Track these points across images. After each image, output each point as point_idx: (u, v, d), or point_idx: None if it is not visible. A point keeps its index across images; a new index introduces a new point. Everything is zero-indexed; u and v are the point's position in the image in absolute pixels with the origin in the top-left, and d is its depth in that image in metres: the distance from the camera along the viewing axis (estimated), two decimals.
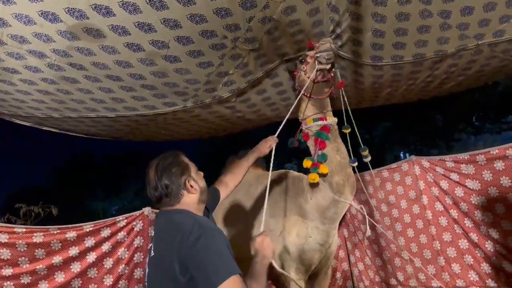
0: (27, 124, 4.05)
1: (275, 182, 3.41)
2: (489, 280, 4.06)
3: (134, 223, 4.47)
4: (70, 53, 2.69)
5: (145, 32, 2.57)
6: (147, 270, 1.80)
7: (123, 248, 4.37)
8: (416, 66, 3.70)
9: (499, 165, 3.90)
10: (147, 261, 1.84)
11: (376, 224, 3.76)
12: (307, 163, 3.01)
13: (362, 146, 3.24)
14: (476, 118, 18.37)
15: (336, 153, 3.00)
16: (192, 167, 1.93)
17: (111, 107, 3.69)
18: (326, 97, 3.07)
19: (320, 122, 3.04)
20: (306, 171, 3.12)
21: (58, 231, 4.00)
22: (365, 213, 3.26)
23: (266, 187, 3.32)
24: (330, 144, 3.00)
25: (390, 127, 20.03)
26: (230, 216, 3.53)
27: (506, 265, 3.91)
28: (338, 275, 5.54)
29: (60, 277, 3.97)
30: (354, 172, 3.12)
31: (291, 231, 3.09)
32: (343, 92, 3.16)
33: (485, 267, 4.09)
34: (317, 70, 2.81)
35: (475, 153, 4.09)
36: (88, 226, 4.19)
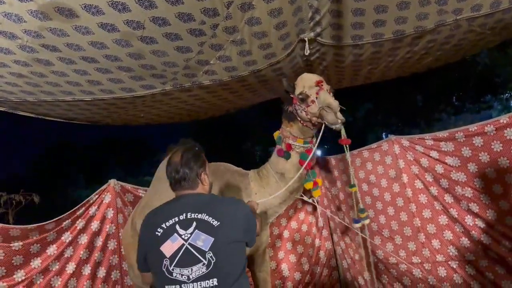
0: (2, 109, 3.94)
1: (213, 174, 3.42)
2: (468, 253, 4.15)
3: (103, 195, 4.53)
4: (43, 33, 2.60)
5: (119, 11, 2.50)
6: (211, 239, 1.93)
7: (96, 222, 4.43)
8: (396, 43, 3.71)
9: (477, 141, 3.96)
10: (195, 232, 1.97)
11: (334, 217, 3.81)
12: (309, 185, 3.32)
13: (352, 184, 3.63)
14: (456, 98, 18.60)
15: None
16: (207, 164, 2.28)
17: (87, 90, 3.60)
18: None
19: (308, 145, 3.28)
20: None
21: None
22: (317, 204, 3.82)
23: None
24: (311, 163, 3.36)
25: (371, 108, 20.19)
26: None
27: (484, 238, 3.99)
28: (322, 253, 5.60)
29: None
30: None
31: None
32: (347, 149, 3.39)
33: (464, 242, 4.17)
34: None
35: (454, 131, 4.13)
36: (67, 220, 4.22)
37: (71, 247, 4.20)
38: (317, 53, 3.87)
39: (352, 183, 3.60)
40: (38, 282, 3.95)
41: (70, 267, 4.14)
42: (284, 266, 5.34)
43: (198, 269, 1.88)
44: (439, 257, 4.37)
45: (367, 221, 3.61)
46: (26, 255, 3.86)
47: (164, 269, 1.92)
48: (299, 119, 3.18)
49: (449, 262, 4.31)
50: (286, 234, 5.43)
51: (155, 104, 4.38)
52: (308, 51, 3.50)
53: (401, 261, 4.61)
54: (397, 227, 4.71)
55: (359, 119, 21.11)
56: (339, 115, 2.94)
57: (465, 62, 5.19)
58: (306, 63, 4.16)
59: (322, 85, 3.08)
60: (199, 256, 1.89)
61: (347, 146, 3.32)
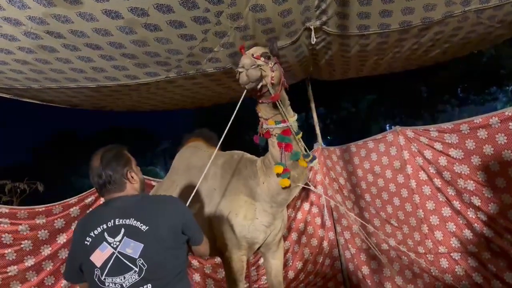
0: (7, 96, 3.94)
1: (227, 163, 3.45)
2: (471, 245, 4.15)
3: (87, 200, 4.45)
4: (47, 20, 2.59)
5: None
6: (140, 245, 1.87)
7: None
8: (403, 34, 3.68)
9: (482, 133, 3.93)
10: (124, 239, 1.90)
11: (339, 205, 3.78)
12: (278, 169, 3.01)
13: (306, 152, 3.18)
14: (460, 90, 18.53)
15: (299, 147, 3.07)
16: (133, 161, 2.18)
17: (91, 77, 3.60)
18: (278, 98, 2.87)
19: (281, 125, 2.98)
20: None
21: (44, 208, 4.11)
22: (324, 197, 3.92)
23: (219, 166, 3.40)
24: (292, 143, 3.03)
25: (375, 99, 20.15)
26: (185, 195, 3.53)
27: (486, 231, 3.99)
28: (325, 243, 5.62)
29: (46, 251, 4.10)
30: None
31: (239, 212, 3.17)
32: (280, 103, 2.91)
33: (467, 234, 4.17)
34: (246, 91, 2.79)
35: (459, 122, 4.10)
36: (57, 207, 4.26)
37: (64, 234, 4.25)
38: (322, 42, 3.84)
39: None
40: (48, 268, 4.08)
41: None
42: (288, 256, 5.38)
43: (131, 277, 1.84)
44: (442, 249, 4.37)
45: (315, 162, 3.31)
46: (35, 242, 4.02)
47: (96, 279, 1.87)
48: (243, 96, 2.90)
49: (452, 254, 4.31)
50: (292, 224, 5.47)
51: (159, 91, 4.37)
52: (315, 40, 3.47)
53: (408, 251, 4.60)
54: (403, 217, 4.71)
55: (362, 110, 21.08)
56: (251, 72, 2.59)
57: (471, 54, 5.13)
58: (312, 52, 4.13)
59: (242, 50, 2.86)
60: (130, 264, 1.85)
61: (279, 102, 2.88)
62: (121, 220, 1.91)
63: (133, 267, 1.84)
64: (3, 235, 3.82)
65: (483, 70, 16.06)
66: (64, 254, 4.16)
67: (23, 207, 4.04)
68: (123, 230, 1.88)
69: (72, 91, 3.90)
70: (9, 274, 3.83)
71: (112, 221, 1.91)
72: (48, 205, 4.14)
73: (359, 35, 3.64)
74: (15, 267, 3.87)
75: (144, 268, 1.85)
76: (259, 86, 2.70)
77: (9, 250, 3.84)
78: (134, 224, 1.89)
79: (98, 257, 1.87)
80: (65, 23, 2.65)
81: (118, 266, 1.85)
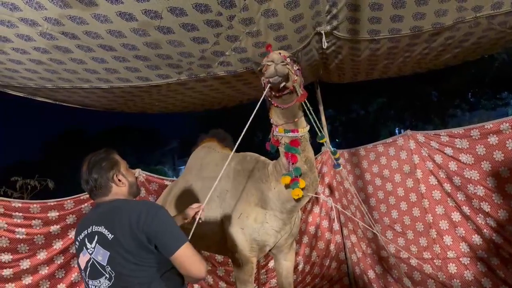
0: (21, 95, 4.01)
1: (240, 164, 3.44)
2: (480, 251, 4.14)
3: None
4: (62, 21, 2.64)
5: (138, 1, 2.52)
6: (107, 253, 1.88)
7: None
8: (413, 39, 3.68)
9: (492, 139, 3.92)
10: (96, 246, 1.92)
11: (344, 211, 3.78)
12: (285, 180, 2.92)
13: (320, 134, 3.17)
14: (471, 94, 18.38)
15: (304, 163, 2.95)
16: (123, 164, 2.14)
17: (104, 78, 3.65)
18: (294, 104, 2.81)
19: (291, 134, 2.88)
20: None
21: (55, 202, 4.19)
22: (332, 205, 3.67)
23: (231, 168, 3.38)
24: (299, 156, 2.94)
25: (385, 103, 20.03)
26: (198, 194, 3.55)
27: (496, 237, 3.98)
28: (332, 246, 5.63)
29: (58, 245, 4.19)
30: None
31: (249, 215, 3.16)
32: (307, 105, 2.96)
33: (476, 239, 4.16)
34: (270, 88, 2.68)
35: (470, 128, 4.10)
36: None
37: None
38: (333, 46, 3.85)
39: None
40: (59, 262, 4.16)
41: None
42: (299, 259, 5.41)
43: (104, 282, 1.90)
44: (450, 254, 4.36)
45: (340, 161, 3.28)
46: (48, 237, 4.11)
47: (85, 280, 1.99)
48: (269, 99, 2.84)
49: (461, 259, 4.30)
50: (303, 227, 5.48)
51: (170, 93, 4.41)
52: (326, 44, 3.48)
53: (412, 256, 4.60)
54: (409, 222, 4.70)
55: (372, 113, 20.97)
56: (280, 67, 2.51)
57: (482, 58, 5.11)
58: (322, 56, 4.15)
59: (270, 49, 2.78)
60: (102, 270, 1.90)
61: (306, 101, 2.88)
62: (95, 227, 1.95)
63: (104, 273, 1.89)
64: (17, 229, 3.89)
65: (494, 75, 15.91)
66: (74, 249, 4.20)
67: (35, 201, 4.12)
68: (96, 237, 1.93)
69: (84, 91, 3.95)
70: (21, 267, 3.90)
71: (90, 227, 1.96)
72: (59, 199, 4.21)
73: (369, 40, 3.65)
74: (28, 260, 3.95)
75: (112, 275, 1.88)
76: (282, 85, 2.62)
77: (22, 244, 3.93)
78: (103, 232, 1.91)
79: (82, 260, 1.97)
80: (80, 24, 2.69)
81: (94, 271, 1.91)
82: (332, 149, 3.39)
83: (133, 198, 2.18)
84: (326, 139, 3.22)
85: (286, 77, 2.59)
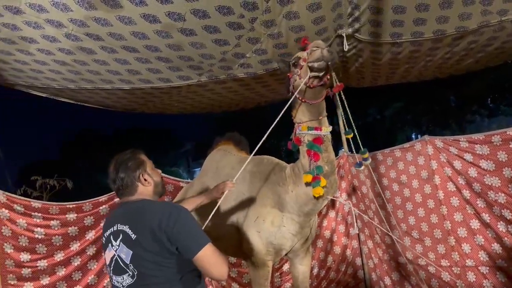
0: (44, 95, 4.09)
1: (256, 167, 3.43)
2: (500, 260, 4.06)
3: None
4: (87, 23, 2.69)
5: (162, 3, 2.56)
6: (130, 252, 1.93)
7: None
8: (436, 42, 3.64)
9: None
10: (120, 244, 1.97)
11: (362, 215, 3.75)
12: (307, 178, 2.89)
13: (346, 129, 3.21)
14: (490, 100, 18.11)
15: (325, 163, 2.92)
16: (149, 163, 2.19)
17: (126, 79, 3.69)
18: (322, 101, 2.86)
19: (314, 132, 2.88)
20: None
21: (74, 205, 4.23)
22: (351, 207, 3.82)
23: (248, 171, 3.35)
24: (321, 154, 2.92)
25: (402, 107, 19.86)
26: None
27: None
28: (348, 252, 5.59)
29: (75, 246, 4.21)
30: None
31: (266, 218, 3.15)
32: (342, 95, 3.00)
33: (496, 248, 4.08)
34: (310, 77, 2.66)
35: (491, 134, 4.03)
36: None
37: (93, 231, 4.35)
38: (353, 49, 3.84)
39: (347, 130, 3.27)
40: (76, 263, 4.19)
41: None
42: (314, 263, 5.36)
43: (127, 279, 1.95)
44: (469, 262, 4.29)
45: (368, 162, 3.26)
46: (65, 238, 4.14)
47: (109, 275, 2.05)
48: (298, 96, 2.82)
49: (480, 268, 4.23)
50: (318, 231, 5.44)
51: (190, 95, 4.44)
52: (347, 47, 3.47)
53: (430, 263, 4.54)
54: (427, 229, 4.63)
55: (388, 118, 20.81)
56: (326, 52, 2.51)
57: (504, 63, 5.03)
58: (342, 59, 4.13)
59: (307, 41, 2.80)
60: (125, 267, 1.94)
61: (341, 92, 2.94)
62: (121, 226, 2.00)
63: (127, 270, 1.94)
64: (36, 229, 3.93)
65: None
66: (91, 250, 4.26)
67: (55, 203, 4.16)
68: (121, 235, 1.98)
69: (106, 92, 4.00)
70: (39, 268, 3.95)
71: (116, 225, 2.02)
72: (78, 202, 4.24)
73: (391, 43, 3.62)
74: (45, 261, 3.99)
75: (135, 273, 1.93)
76: (321, 74, 2.61)
77: (40, 244, 3.97)
78: (127, 231, 1.96)
79: (107, 256, 2.04)
80: (105, 26, 2.74)
81: (118, 267, 1.97)
82: (362, 149, 3.33)
83: (158, 197, 2.22)
84: (352, 134, 3.18)
85: (332, 61, 2.58)
